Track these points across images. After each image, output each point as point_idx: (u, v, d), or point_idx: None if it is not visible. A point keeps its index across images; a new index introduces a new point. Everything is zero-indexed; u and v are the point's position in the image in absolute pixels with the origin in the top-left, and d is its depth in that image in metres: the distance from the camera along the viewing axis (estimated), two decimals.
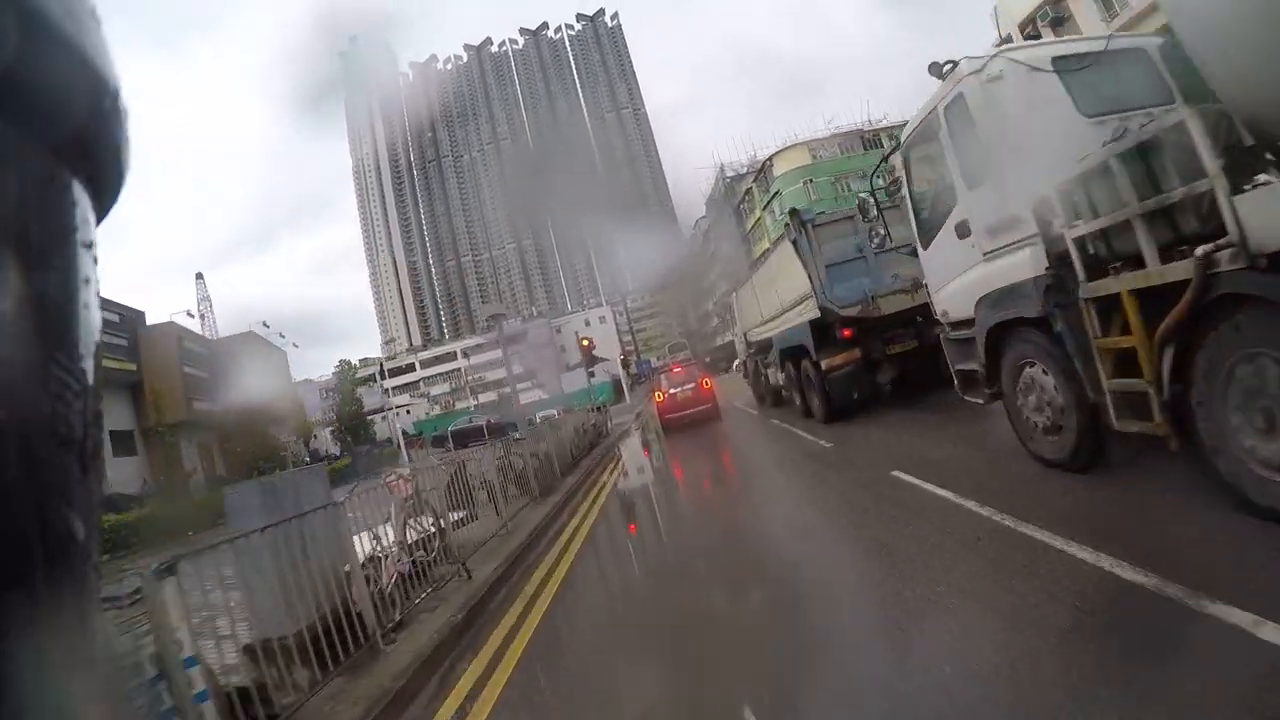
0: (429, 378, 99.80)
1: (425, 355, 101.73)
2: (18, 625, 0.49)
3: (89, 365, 0.59)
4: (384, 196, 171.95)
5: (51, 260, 0.55)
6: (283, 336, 52.81)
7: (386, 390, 66.23)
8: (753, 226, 60.69)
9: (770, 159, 53.93)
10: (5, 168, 0.50)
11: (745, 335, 20.31)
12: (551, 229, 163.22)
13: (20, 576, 0.50)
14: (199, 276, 62.77)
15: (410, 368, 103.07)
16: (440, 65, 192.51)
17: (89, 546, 0.58)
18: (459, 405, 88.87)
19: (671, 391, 20.51)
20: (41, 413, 0.53)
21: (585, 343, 25.15)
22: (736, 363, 26.74)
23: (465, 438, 35.86)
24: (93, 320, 0.60)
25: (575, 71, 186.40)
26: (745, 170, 64.63)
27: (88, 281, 0.59)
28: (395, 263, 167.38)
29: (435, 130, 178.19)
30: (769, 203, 53.89)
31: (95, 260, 0.61)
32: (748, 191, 62.10)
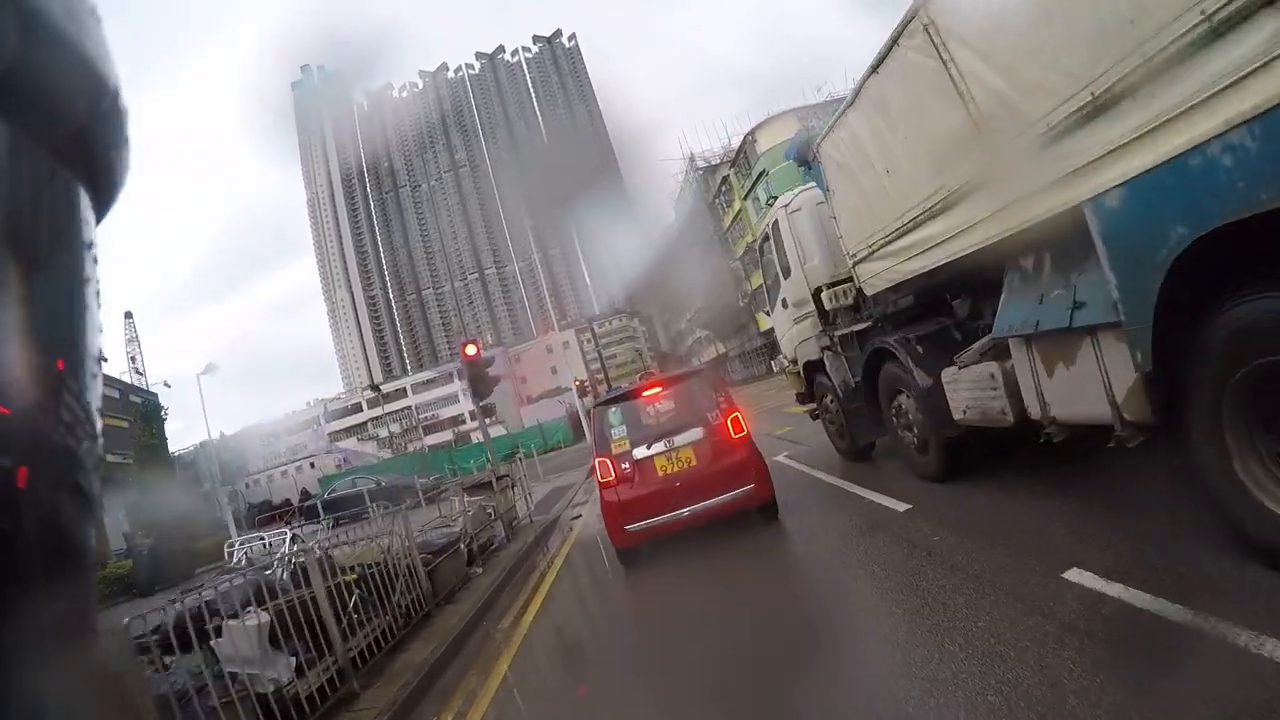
0: (378, 418, 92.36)
1: (372, 395, 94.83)
2: (19, 623, 0.51)
3: (89, 366, 0.61)
4: (340, 230, 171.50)
5: (51, 260, 0.57)
6: (168, 385, 47.54)
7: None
8: (731, 222, 56.09)
9: (753, 133, 48.71)
10: (5, 168, 0.51)
11: (836, 289, 8.08)
12: (514, 255, 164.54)
13: (23, 576, 0.52)
14: (128, 315, 58.71)
15: (357, 408, 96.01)
16: (395, 93, 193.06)
17: (89, 546, 0.61)
18: (411, 447, 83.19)
19: (647, 455, 7.27)
20: (44, 413, 0.55)
21: (472, 352, 12.84)
22: (788, 360, 10.85)
23: (341, 508, 25.05)
24: (93, 320, 0.61)
25: (534, 94, 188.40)
26: (719, 160, 59.08)
27: (88, 281, 0.60)
28: (353, 297, 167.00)
29: (392, 159, 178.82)
30: (752, 188, 47.89)
31: (95, 260, 0.62)
32: (724, 181, 56.74)
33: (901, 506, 6.50)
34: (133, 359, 59.96)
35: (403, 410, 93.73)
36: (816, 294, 8.45)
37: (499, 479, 12.45)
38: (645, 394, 7.67)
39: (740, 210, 52.24)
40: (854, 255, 7.17)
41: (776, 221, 9.25)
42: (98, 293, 0.63)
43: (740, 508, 7.06)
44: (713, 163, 60.90)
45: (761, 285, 13.49)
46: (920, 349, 6.58)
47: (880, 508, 6.77)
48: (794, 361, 10.15)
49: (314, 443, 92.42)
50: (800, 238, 8.83)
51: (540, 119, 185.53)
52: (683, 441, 7.16)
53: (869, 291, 7.17)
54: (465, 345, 13.38)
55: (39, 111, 0.54)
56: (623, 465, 7.22)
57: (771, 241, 9.59)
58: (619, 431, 7.41)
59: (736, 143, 53.09)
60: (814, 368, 9.35)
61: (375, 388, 72.86)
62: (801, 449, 11.71)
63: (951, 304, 6.95)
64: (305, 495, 38.05)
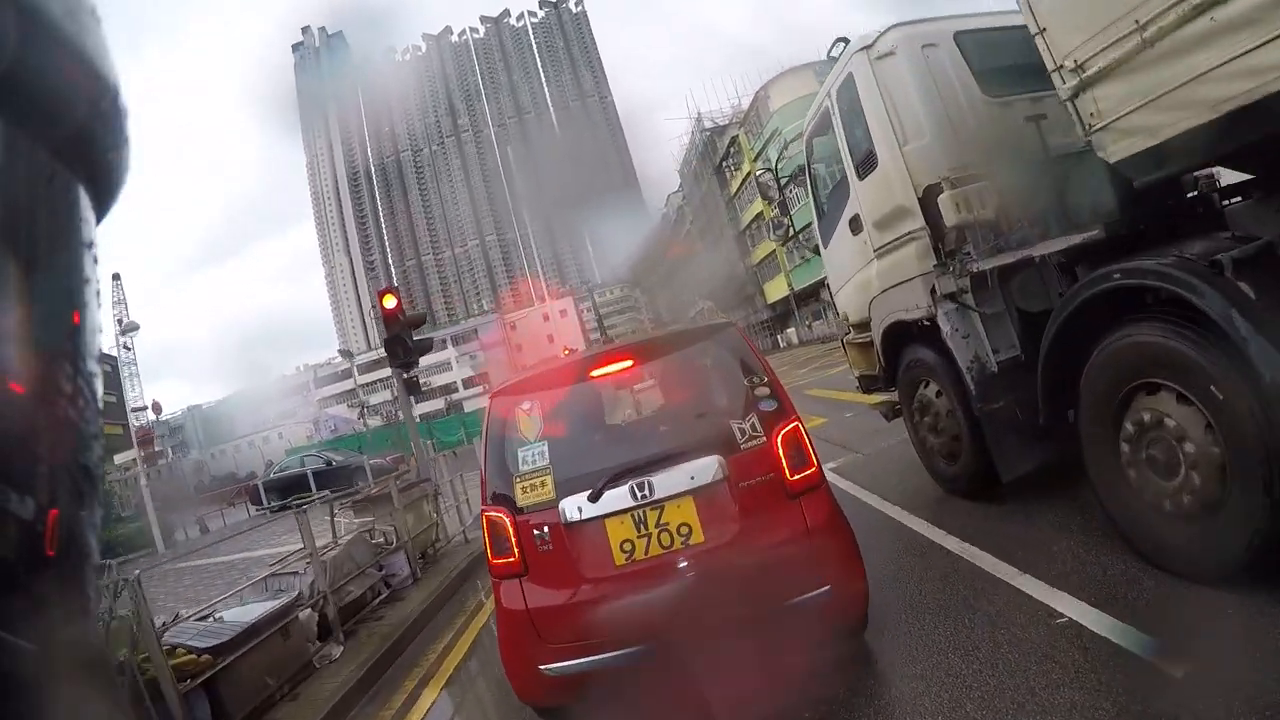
0: (368, 384, 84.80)
1: (364, 359, 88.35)
2: (21, 622, 0.50)
3: (90, 365, 0.60)
4: (339, 194, 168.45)
5: (51, 260, 0.56)
6: (128, 349, 47.26)
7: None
8: (739, 188, 51.88)
9: (765, 89, 45.05)
10: (5, 168, 0.50)
11: (965, 191, 4.51)
12: (515, 223, 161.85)
13: (25, 574, 0.52)
14: (115, 278, 56.80)
15: (347, 374, 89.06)
16: (398, 56, 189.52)
17: (89, 544, 0.60)
18: (402, 416, 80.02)
19: (594, 517, 3.13)
20: (45, 411, 0.54)
21: (392, 305, 9.30)
22: (849, 322, 6.38)
23: (286, 491, 21.50)
24: (93, 320, 0.61)
25: (539, 60, 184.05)
26: (729, 121, 54.29)
27: (88, 281, 0.60)
28: (352, 262, 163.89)
29: (393, 123, 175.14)
30: (764, 149, 43.97)
31: (95, 260, 0.61)
32: (733, 142, 52.16)
33: (1182, 667, 2.76)
34: (119, 321, 57.37)
35: (390, 378, 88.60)
36: (930, 198, 4.63)
37: (410, 487, 8.37)
38: (599, 373, 3.55)
39: (749, 174, 47.62)
40: (1079, 66, 3.20)
41: (850, 78, 5.34)
42: (98, 293, 0.62)
43: (799, 632, 3.04)
44: (721, 124, 56.21)
45: (781, 235, 9.60)
46: (1248, 286, 2.73)
47: (1111, 647, 2.97)
48: (859, 325, 6.28)
49: (303, 409, 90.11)
50: (897, 102, 4.96)
51: (545, 85, 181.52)
52: (673, 488, 3.10)
53: (1115, 151, 3.21)
54: (383, 294, 9.59)
55: (39, 111, 0.53)
56: (537, 533, 3.16)
57: (836, 119, 5.69)
58: (534, 458, 3.30)
59: (746, 103, 49.73)
60: (901, 336, 5.54)
61: (346, 353, 68.15)
62: (852, 459, 7.81)
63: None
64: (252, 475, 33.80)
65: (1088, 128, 3.25)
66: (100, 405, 0.63)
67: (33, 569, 0.55)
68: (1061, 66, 3.26)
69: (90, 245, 0.60)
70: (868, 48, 5.13)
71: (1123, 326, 3.27)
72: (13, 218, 0.52)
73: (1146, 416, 3.27)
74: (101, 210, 0.62)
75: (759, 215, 47.35)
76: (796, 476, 3.16)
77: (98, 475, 0.63)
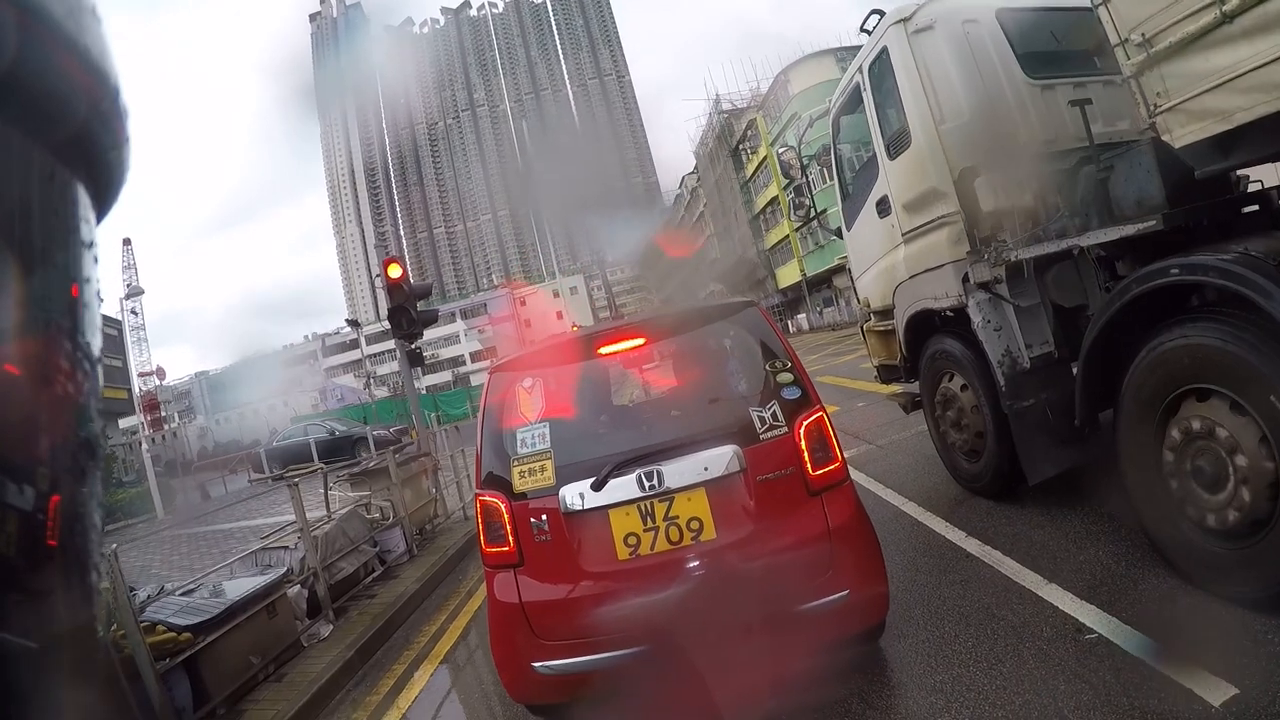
0: (376, 355, 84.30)
1: (372, 330, 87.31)
2: (22, 620, 0.49)
3: (90, 365, 0.60)
4: (352, 165, 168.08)
5: (52, 260, 0.56)
6: (135, 313, 44.68)
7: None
8: (755, 171, 50.95)
9: (785, 74, 44.18)
10: (5, 168, 0.50)
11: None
12: (528, 199, 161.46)
13: (26, 571, 0.51)
14: (126, 243, 56.26)
15: (354, 344, 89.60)
16: (416, 29, 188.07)
17: (92, 523, 0.60)
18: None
19: (597, 507, 2.90)
20: (46, 410, 0.53)
21: (396, 274, 8.89)
22: (870, 309, 6.21)
23: (289, 460, 19.97)
24: (93, 319, 0.61)
25: (557, 36, 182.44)
26: (747, 105, 52.97)
27: (88, 281, 0.60)
28: (363, 233, 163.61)
29: (409, 96, 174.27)
30: (781, 133, 42.84)
31: (95, 260, 0.61)
32: (750, 125, 50.89)
33: (1220, 694, 2.53)
34: (128, 285, 57.56)
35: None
36: (966, 181, 4.38)
37: (410, 461, 8.10)
38: (608, 351, 3.25)
39: (765, 158, 46.95)
40: (1146, 41, 2.90)
41: (885, 53, 5.05)
42: (98, 292, 0.62)
43: (813, 638, 2.78)
44: (739, 106, 54.80)
45: (801, 216, 9.23)
46: None
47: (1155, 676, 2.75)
48: (881, 312, 6.04)
49: (310, 378, 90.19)
50: (935, 79, 4.68)
51: (563, 62, 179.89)
52: (684, 478, 2.85)
53: (1182, 136, 2.92)
54: (388, 263, 9.33)
55: (39, 111, 0.52)
56: (535, 521, 2.93)
57: (867, 95, 5.41)
58: (534, 440, 3.05)
59: (765, 87, 48.95)
60: (926, 326, 5.31)
61: (353, 323, 67.81)
62: (865, 451, 7.57)
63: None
64: (256, 443, 33.64)
65: (1153, 109, 2.97)
66: (100, 379, 0.62)
67: (34, 564, 0.54)
68: (1126, 40, 2.97)
69: (90, 245, 0.60)
70: (905, 20, 4.83)
71: (1176, 326, 3.01)
72: (13, 218, 0.51)
73: (1196, 424, 3.02)
74: (102, 211, 0.63)
75: (774, 200, 47.10)
76: (819, 471, 2.91)
77: (98, 447, 0.62)
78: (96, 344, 0.61)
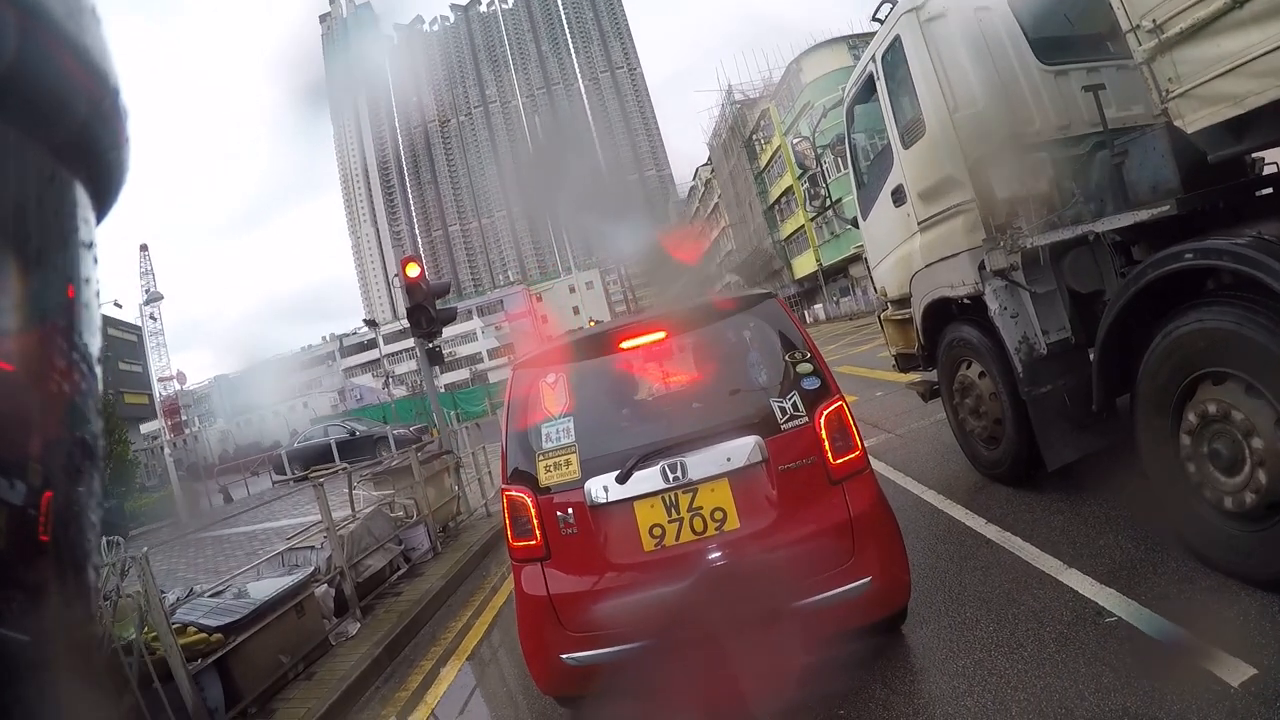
0: (394, 354, 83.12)
1: (389, 329, 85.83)
2: (12, 615, 0.50)
3: (89, 365, 0.60)
4: (366, 164, 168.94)
5: (51, 260, 0.56)
6: (154, 319, 44.86)
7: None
8: (769, 161, 50.91)
9: (798, 62, 43.68)
10: (5, 168, 0.50)
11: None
12: (540, 196, 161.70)
13: (15, 565, 0.51)
14: (143, 248, 56.38)
15: (372, 344, 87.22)
16: (426, 26, 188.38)
17: (88, 523, 0.60)
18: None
19: (622, 499, 2.97)
20: (40, 408, 0.54)
21: (414, 273, 9.18)
22: (887, 298, 6.25)
23: (310, 461, 21.32)
24: (93, 320, 0.61)
25: (567, 30, 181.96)
26: (760, 95, 52.72)
27: (88, 282, 0.60)
28: (378, 231, 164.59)
29: (420, 94, 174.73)
30: (794, 122, 42.66)
31: (95, 260, 0.61)
32: (763, 115, 50.59)
33: (1239, 675, 2.57)
34: (146, 291, 57.83)
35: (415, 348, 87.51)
36: (981, 168, 4.39)
37: (432, 459, 8.19)
38: (629, 345, 3.30)
39: (778, 148, 46.83)
40: (1158, 26, 2.90)
41: (898, 41, 5.06)
42: (98, 293, 0.62)
43: (837, 625, 2.90)
44: (752, 96, 54.34)
45: (817, 206, 9.17)
46: None
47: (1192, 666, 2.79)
48: (899, 301, 6.06)
49: (329, 379, 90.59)
50: (948, 66, 4.68)
51: (574, 57, 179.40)
52: (708, 469, 2.92)
53: (1194, 120, 2.91)
54: (406, 263, 9.44)
55: (39, 111, 0.52)
56: (561, 515, 3.01)
57: (880, 84, 5.42)
58: (559, 435, 3.13)
59: (778, 77, 48.59)
60: (943, 314, 5.33)
61: (371, 323, 68.22)
62: (885, 439, 7.58)
63: None
64: (277, 445, 34.01)
65: (1164, 94, 2.98)
66: (98, 376, 0.62)
67: (24, 558, 0.53)
68: (1138, 26, 2.98)
69: (90, 246, 0.60)
70: (917, 9, 4.84)
71: (1191, 310, 3.03)
72: (12, 218, 0.51)
73: (1212, 408, 3.04)
74: (102, 211, 0.62)
75: (788, 190, 46.82)
76: (840, 460, 2.96)
77: (97, 448, 0.61)
78: (96, 345, 0.61)
